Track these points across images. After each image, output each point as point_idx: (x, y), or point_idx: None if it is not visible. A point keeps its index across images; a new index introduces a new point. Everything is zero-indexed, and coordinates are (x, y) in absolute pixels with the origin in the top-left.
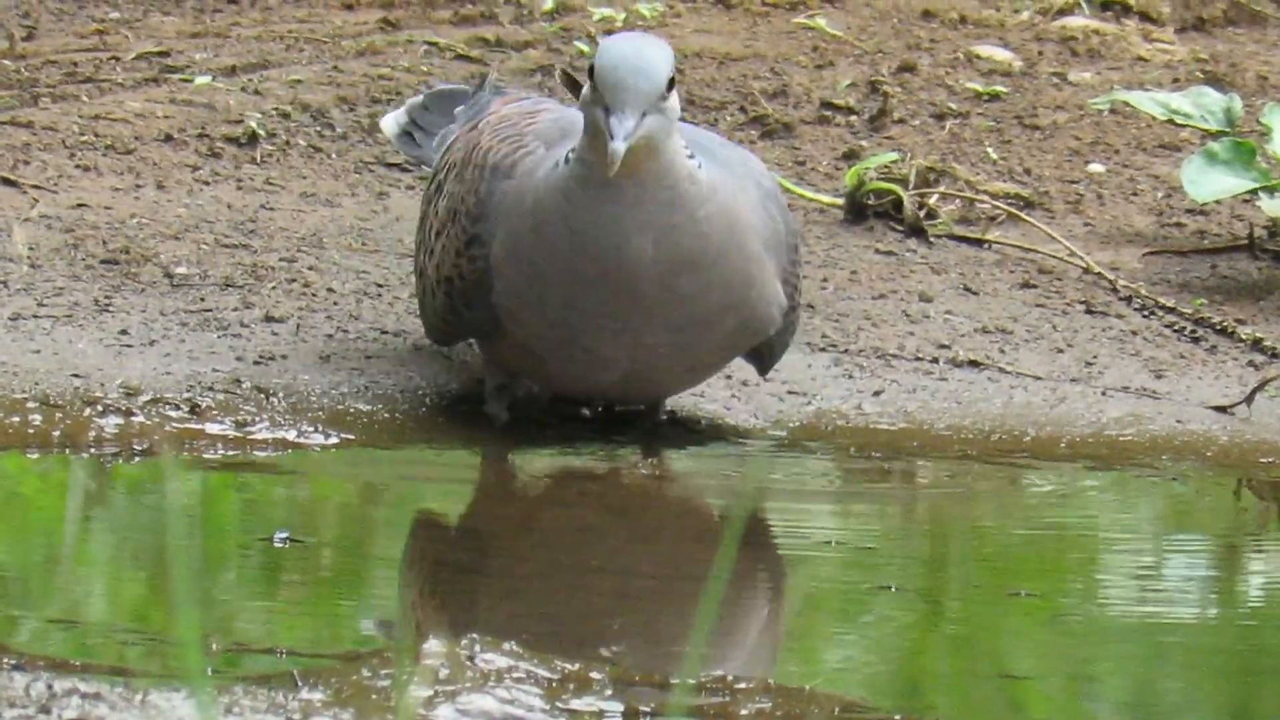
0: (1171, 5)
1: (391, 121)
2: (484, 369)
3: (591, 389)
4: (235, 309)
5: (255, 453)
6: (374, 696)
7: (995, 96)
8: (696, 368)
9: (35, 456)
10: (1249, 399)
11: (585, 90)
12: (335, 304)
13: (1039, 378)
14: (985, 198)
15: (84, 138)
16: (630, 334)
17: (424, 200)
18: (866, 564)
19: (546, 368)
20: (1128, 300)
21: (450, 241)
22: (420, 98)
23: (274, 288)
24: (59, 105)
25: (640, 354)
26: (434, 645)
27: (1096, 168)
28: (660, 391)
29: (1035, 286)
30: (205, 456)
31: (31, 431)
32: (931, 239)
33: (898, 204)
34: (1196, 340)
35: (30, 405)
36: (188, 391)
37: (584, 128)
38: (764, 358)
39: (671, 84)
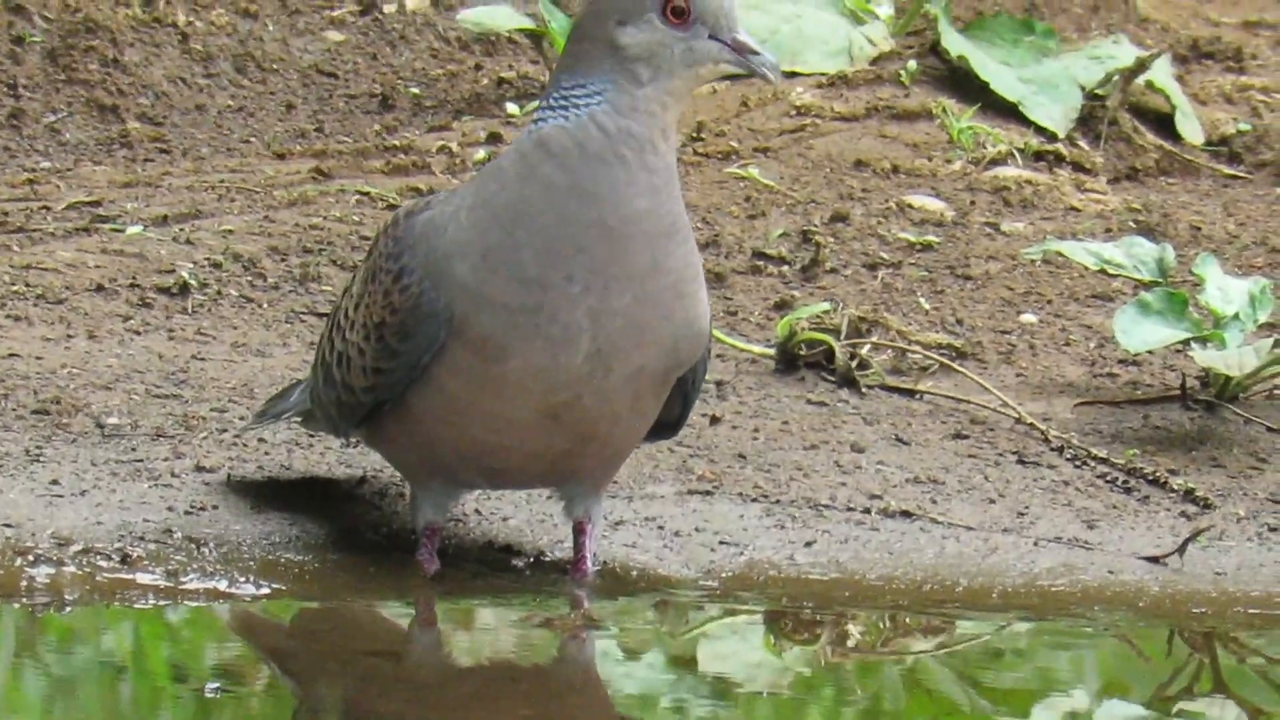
0: (1104, 155)
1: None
2: (410, 485)
3: (533, 414)
4: (166, 459)
5: (187, 603)
6: None
7: (928, 246)
8: (643, 379)
9: None
10: (1181, 549)
11: (650, 31)
12: (266, 454)
13: (971, 528)
14: (917, 348)
15: (15, 287)
16: (597, 293)
17: (323, 334)
18: (797, 715)
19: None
20: (1060, 450)
21: (376, 294)
22: (261, 403)
23: (205, 438)
24: None
25: (602, 327)
26: None
27: (1029, 318)
28: (608, 425)
29: (967, 437)
30: (137, 606)
31: None
32: (863, 389)
33: (830, 354)
34: (1129, 491)
35: None
36: (119, 541)
37: (654, 69)
38: (686, 396)
39: None
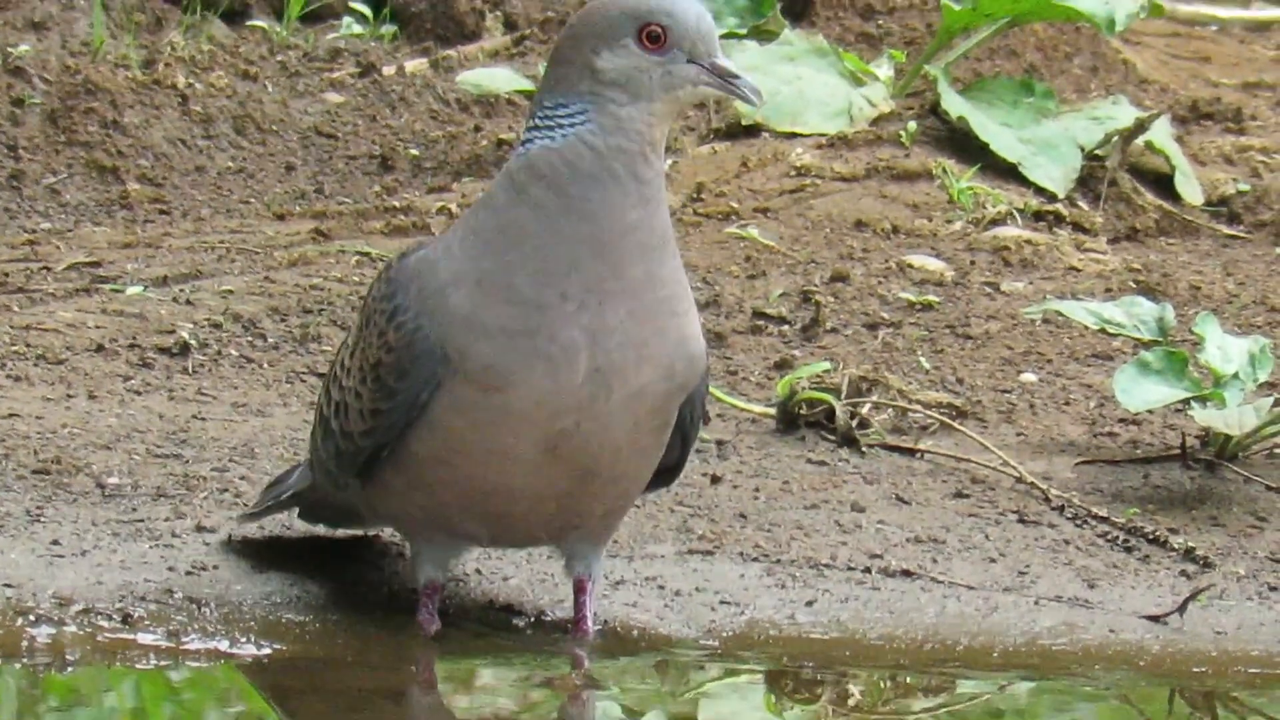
0: (1104, 215)
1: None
2: (410, 543)
3: (534, 447)
4: (167, 519)
5: (188, 663)
6: None
7: (928, 306)
8: (642, 405)
9: None
10: (1181, 608)
11: (625, 58)
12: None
13: (972, 587)
14: (918, 407)
15: (15, 348)
16: (592, 310)
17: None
18: None
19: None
20: (1060, 510)
21: (371, 337)
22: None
23: (206, 498)
24: None
25: (600, 344)
26: None
27: (1029, 377)
28: (610, 459)
29: (968, 496)
30: (138, 667)
31: None
32: (864, 449)
33: (830, 414)
34: (1129, 550)
35: None
36: (120, 601)
37: (633, 94)
38: (685, 436)
39: None
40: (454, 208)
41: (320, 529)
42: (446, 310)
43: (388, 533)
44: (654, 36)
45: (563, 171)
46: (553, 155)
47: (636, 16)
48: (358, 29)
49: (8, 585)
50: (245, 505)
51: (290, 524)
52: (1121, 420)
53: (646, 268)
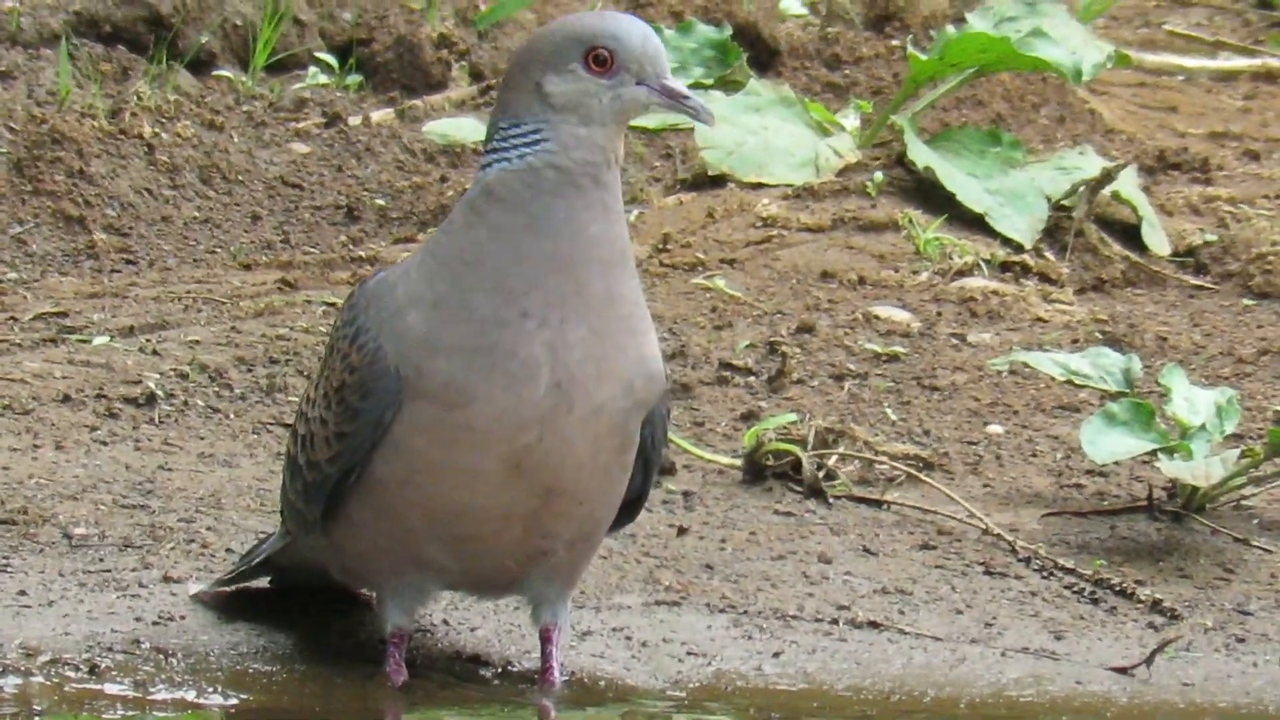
0: (1071, 266)
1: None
2: (377, 588)
3: (497, 463)
4: (134, 569)
5: (155, 713)
6: None
7: (894, 357)
8: (603, 421)
9: None
10: (1149, 660)
11: (574, 83)
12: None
13: (939, 638)
14: (884, 459)
15: None
16: (554, 327)
17: (289, 439)
18: None
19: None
20: (1027, 561)
21: (334, 362)
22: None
23: (173, 548)
24: None
25: (560, 360)
26: None
27: (995, 428)
28: (573, 476)
29: (934, 548)
30: (104, 717)
31: None
32: (830, 500)
33: (796, 465)
34: (1096, 601)
35: None
36: (86, 652)
37: (585, 117)
38: (647, 463)
39: None
40: None
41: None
42: (404, 330)
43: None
44: (600, 60)
45: (521, 193)
46: (510, 177)
47: (582, 40)
48: (323, 79)
49: None
50: (211, 563)
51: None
52: (1088, 472)
53: (608, 285)
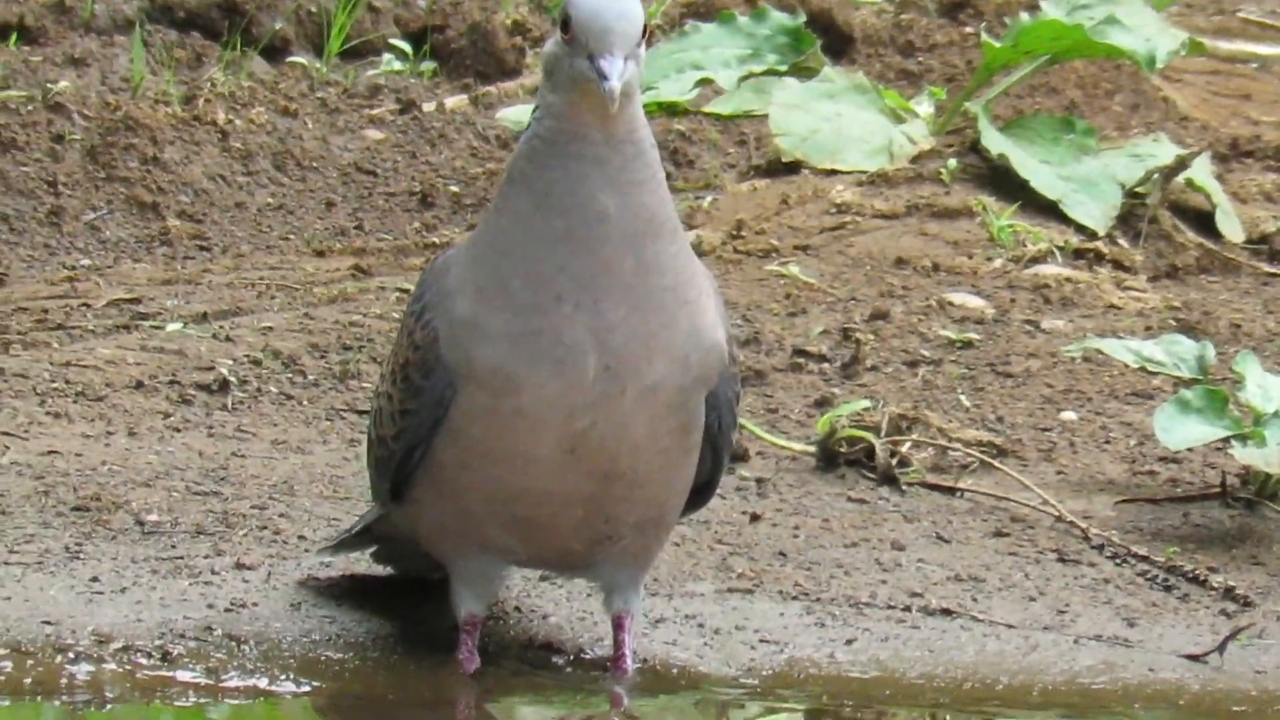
0: (1144, 253)
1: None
2: (450, 572)
3: (552, 448)
4: (206, 556)
5: (227, 700)
6: None
7: (968, 344)
8: (658, 400)
9: (6, 704)
10: (1221, 647)
11: (553, 45)
12: (307, 551)
13: (1011, 626)
14: (958, 445)
15: (55, 385)
16: (589, 309)
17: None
18: None
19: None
20: (1100, 548)
21: (403, 339)
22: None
23: (245, 535)
24: (29, 352)
25: (605, 343)
26: None
27: (1069, 415)
28: (630, 459)
29: (1008, 535)
30: (177, 704)
31: (2, 679)
32: (904, 487)
33: (870, 452)
34: (1169, 589)
35: (1, 652)
36: (159, 639)
37: (553, 83)
38: (715, 448)
39: (646, 29)
40: None
41: (387, 570)
42: (454, 316)
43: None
44: (565, 27)
45: (526, 169)
46: (520, 151)
47: (563, 6)
48: (397, 65)
49: (47, 622)
50: (283, 549)
51: (329, 562)
52: (1161, 459)
53: (640, 258)
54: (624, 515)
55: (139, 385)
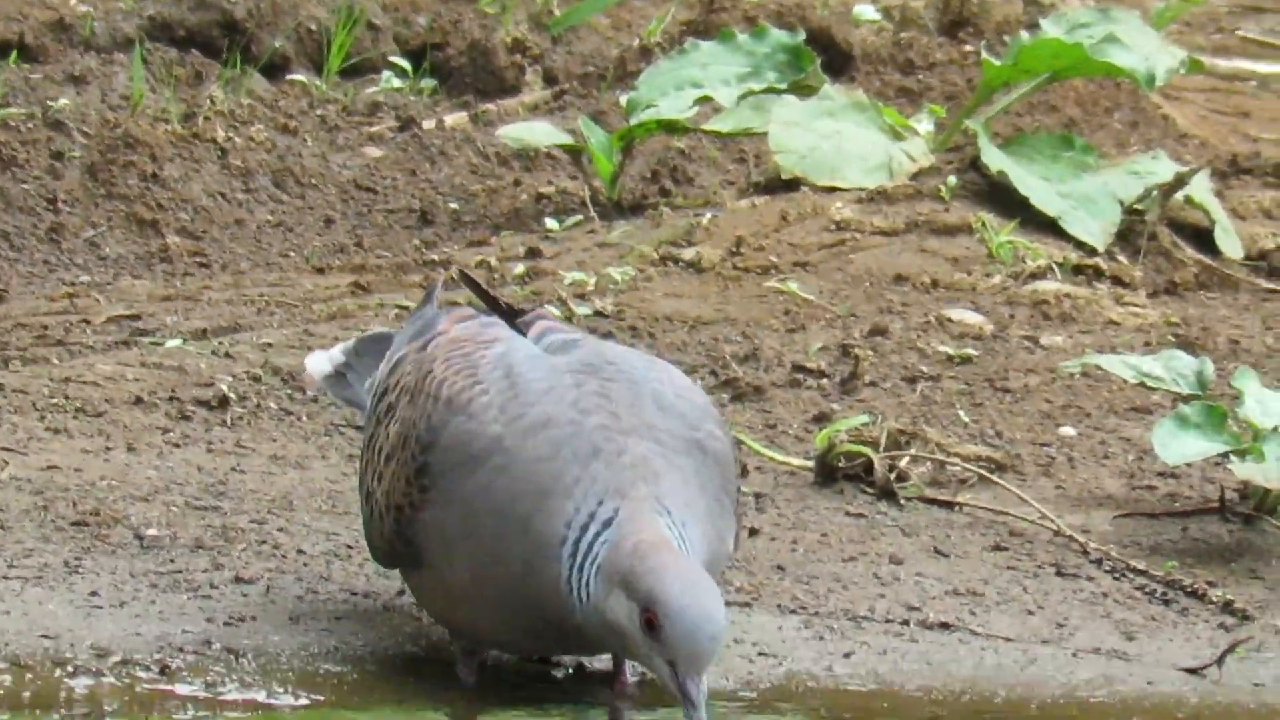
0: (1143, 270)
1: (324, 360)
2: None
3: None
4: (205, 570)
5: (225, 714)
6: None
7: (966, 360)
8: None
9: (5, 718)
10: (1220, 661)
11: (640, 631)
12: (305, 565)
13: (1010, 639)
14: (956, 460)
15: (54, 400)
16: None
17: (371, 420)
18: None
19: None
20: (1099, 563)
21: (400, 469)
22: (352, 341)
23: (244, 549)
24: (29, 368)
25: None
26: None
27: (1068, 431)
28: None
29: (1006, 549)
30: (175, 718)
31: (1, 693)
32: (902, 501)
33: (868, 467)
34: (1167, 602)
35: (0, 666)
36: (158, 653)
37: (625, 643)
38: None
39: None
40: (493, 261)
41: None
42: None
43: None
44: (650, 625)
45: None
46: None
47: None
48: (397, 83)
49: (46, 636)
50: (282, 564)
51: (328, 575)
52: (1160, 474)
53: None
54: None
55: (138, 401)
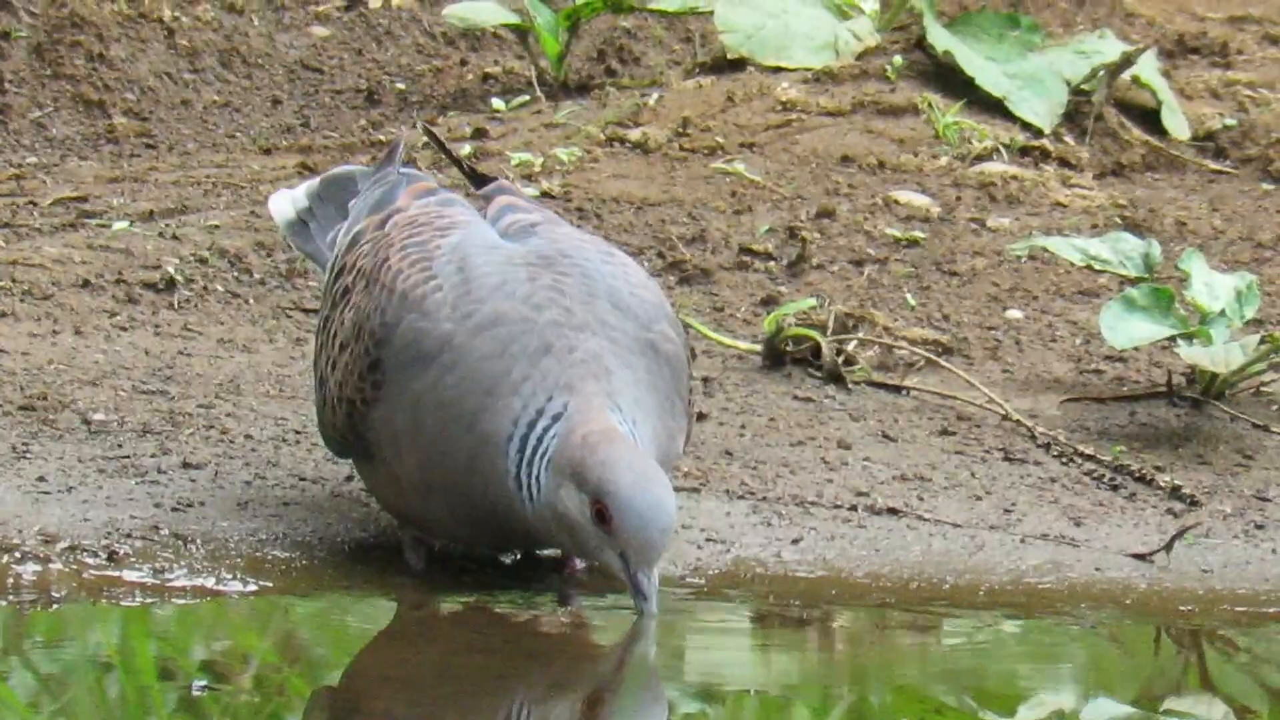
0: (1090, 151)
1: (286, 202)
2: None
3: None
4: (153, 456)
5: (173, 600)
6: None
7: (914, 242)
8: None
9: None
10: (1168, 547)
11: (590, 523)
12: (253, 451)
13: (957, 525)
14: (904, 344)
15: (1, 283)
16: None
17: (327, 300)
18: (784, 713)
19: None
20: (1046, 447)
21: (354, 361)
22: (316, 181)
23: (191, 434)
24: None
25: None
26: None
27: (1015, 314)
28: None
29: (954, 433)
30: (124, 604)
31: None
32: (850, 386)
33: (816, 350)
34: (1115, 488)
35: None
36: (105, 538)
37: (571, 533)
38: None
39: None
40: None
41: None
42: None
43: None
44: (601, 516)
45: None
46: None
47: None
48: None
49: None
50: (230, 449)
51: (276, 461)
52: (1107, 357)
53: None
54: None
55: (85, 284)
